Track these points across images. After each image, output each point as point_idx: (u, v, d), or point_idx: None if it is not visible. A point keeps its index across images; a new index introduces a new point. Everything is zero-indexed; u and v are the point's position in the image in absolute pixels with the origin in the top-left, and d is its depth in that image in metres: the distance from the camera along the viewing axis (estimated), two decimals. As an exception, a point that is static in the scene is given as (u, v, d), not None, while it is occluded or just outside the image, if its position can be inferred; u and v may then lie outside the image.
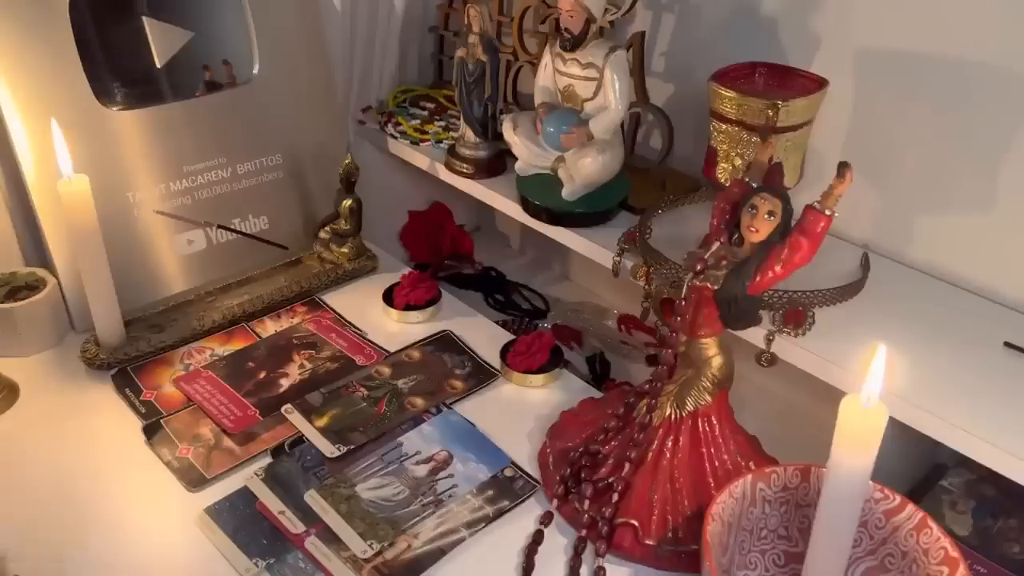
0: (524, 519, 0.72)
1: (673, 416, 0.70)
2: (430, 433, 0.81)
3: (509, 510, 0.73)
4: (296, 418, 0.81)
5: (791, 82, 0.82)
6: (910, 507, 0.62)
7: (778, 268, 0.63)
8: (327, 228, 1.02)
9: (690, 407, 0.70)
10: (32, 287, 0.88)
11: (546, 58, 0.89)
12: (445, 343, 0.93)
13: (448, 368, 0.90)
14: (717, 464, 0.70)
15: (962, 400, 0.65)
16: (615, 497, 0.69)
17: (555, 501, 0.72)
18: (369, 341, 0.93)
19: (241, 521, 0.70)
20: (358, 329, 0.95)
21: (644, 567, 0.68)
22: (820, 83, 0.79)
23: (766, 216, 0.62)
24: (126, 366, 0.87)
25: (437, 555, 0.68)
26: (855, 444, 0.53)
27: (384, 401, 0.84)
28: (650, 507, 0.69)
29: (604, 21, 0.84)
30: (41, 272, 0.90)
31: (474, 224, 1.32)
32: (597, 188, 0.89)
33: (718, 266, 0.65)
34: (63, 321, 0.91)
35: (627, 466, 0.69)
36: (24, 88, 0.83)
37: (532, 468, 0.77)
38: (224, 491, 0.73)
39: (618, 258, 0.84)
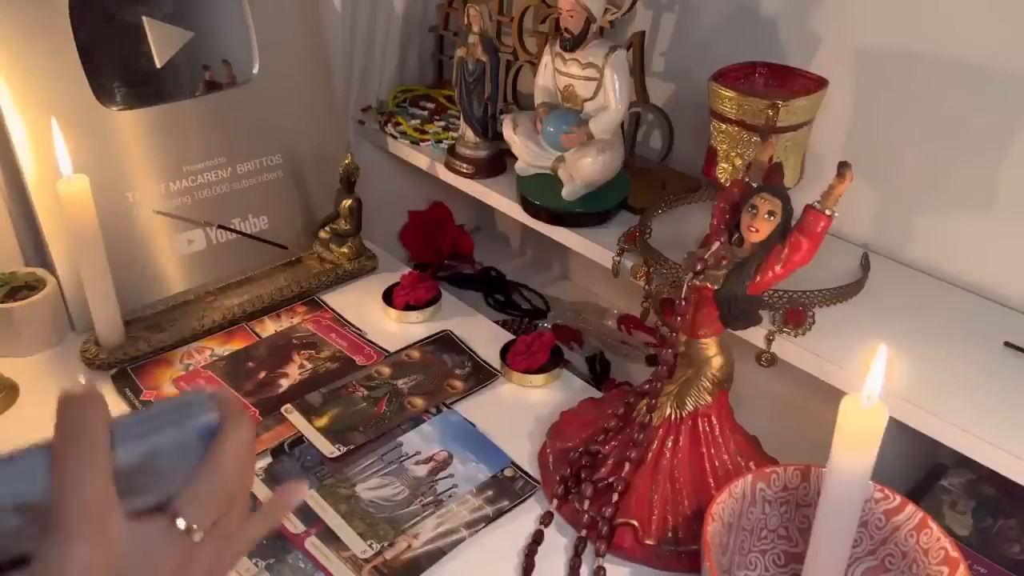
0: (524, 519, 0.72)
1: (673, 416, 0.70)
2: (430, 433, 0.81)
3: (509, 510, 0.73)
4: (296, 418, 0.81)
5: (791, 82, 0.82)
6: (910, 507, 0.62)
7: (778, 268, 0.63)
8: (327, 228, 1.02)
9: (690, 407, 0.70)
10: (32, 287, 0.88)
11: (546, 58, 0.89)
12: (445, 343, 0.93)
13: (448, 368, 0.90)
14: (717, 464, 0.70)
15: (962, 400, 0.65)
16: (615, 497, 0.69)
17: (555, 501, 0.72)
18: (369, 341, 0.93)
19: (241, 521, 0.70)
20: (358, 329, 0.95)
21: (644, 567, 0.68)
22: (820, 83, 0.79)
23: (766, 216, 0.62)
24: (126, 366, 0.87)
25: (437, 555, 0.68)
26: (855, 444, 0.53)
27: (384, 401, 0.84)
28: (650, 507, 0.69)
29: (604, 21, 0.84)
30: (41, 272, 0.90)
31: (474, 224, 1.32)
32: (597, 188, 0.89)
33: (718, 266, 0.65)
34: (63, 321, 0.91)
35: (627, 466, 0.69)
36: (24, 88, 0.83)
37: (532, 468, 0.77)
38: (224, 491, 0.73)
39: (618, 258, 0.84)
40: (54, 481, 0.31)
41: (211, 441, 0.36)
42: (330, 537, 0.69)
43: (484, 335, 0.95)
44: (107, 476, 0.32)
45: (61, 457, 0.31)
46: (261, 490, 0.73)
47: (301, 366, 0.89)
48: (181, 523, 0.34)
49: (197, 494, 0.35)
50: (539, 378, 0.88)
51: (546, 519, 0.72)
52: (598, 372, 1.01)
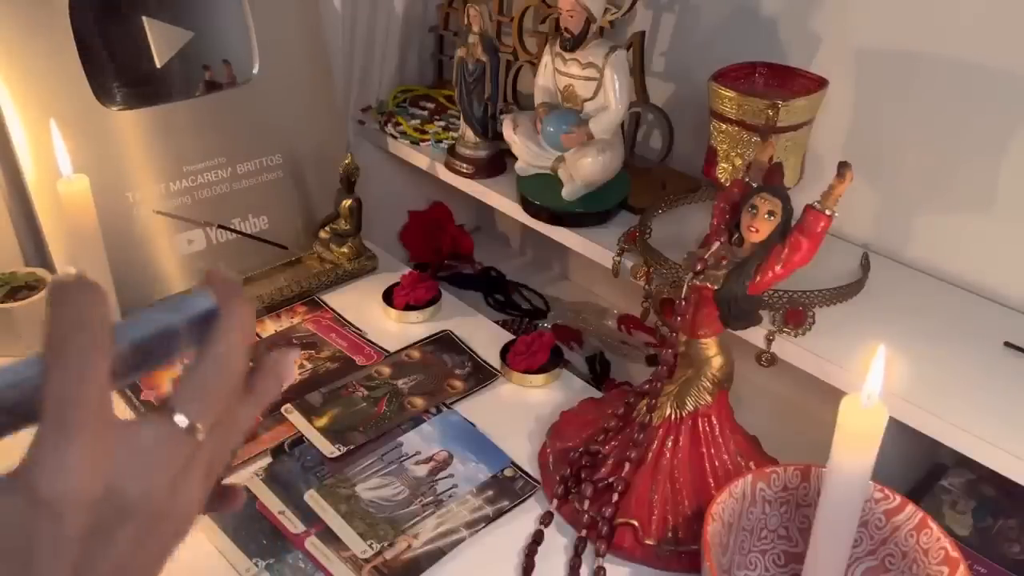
0: (524, 519, 0.72)
1: (673, 416, 0.70)
2: (430, 433, 0.81)
3: (509, 510, 0.73)
4: (296, 418, 0.81)
5: (791, 82, 0.82)
6: (910, 507, 0.62)
7: (778, 268, 0.63)
8: (327, 228, 1.02)
9: (690, 407, 0.70)
10: (32, 287, 0.88)
11: (546, 58, 0.89)
12: (445, 343, 0.93)
13: (448, 368, 0.90)
14: (717, 464, 0.70)
15: (962, 400, 0.65)
16: (615, 497, 0.69)
17: (555, 501, 0.72)
18: (369, 341, 0.93)
19: (241, 521, 0.70)
20: (358, 329, 0.95)
21: (644, 567, 0.68)
22: (820, 83, 0.79)
23: (766, 216, 0.62)
24: (126, 366, 0.86)
25: (437, 555, 0.68)
26: (855, 444, 0.53)
27: (384, 401, 0.84)
28: (650, 507, 0.69)
29: (604, 21, 0.84)
30: (41, 272, 0.90)
31: (474, 224, 1.32)
32: (597, 188, 0.89)
33: (718, 266, 0.65)
34: (63, 321, 0.91)
35: (627, 466, 0.69)
36: (24, 88, 0.83)
37: (532, 468, 0.77)
38: (224, 491, 0.73)
39: (618, 258, 0.84)
40: (52, 376, 0.29)
41: (208, 330, 0.33)
42: (330, 537, 0.69)
43: (484, 335, 0.95)
44: (107, 373, 0.29)
45: (59, 351, 0.29)
46: (262, 489, 0.73)
47: (301, 366, 0.89)
48: (182, 420, 0.31)
49: (197, 390, 0.32)
50: (539, 378, 0.88)
51: (546, 519, 0.72)
52: (598, 372, 1.01)
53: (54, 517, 0.29)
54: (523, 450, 0.79)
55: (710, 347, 0.70)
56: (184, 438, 0.31)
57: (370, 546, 0.68)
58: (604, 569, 0.67)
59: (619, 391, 0.88)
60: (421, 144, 1.09)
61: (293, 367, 0.37)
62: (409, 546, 0.69)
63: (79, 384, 0.29)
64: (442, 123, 1.12)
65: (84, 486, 0.29)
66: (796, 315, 0.72)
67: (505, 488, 0.75)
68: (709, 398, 0.70)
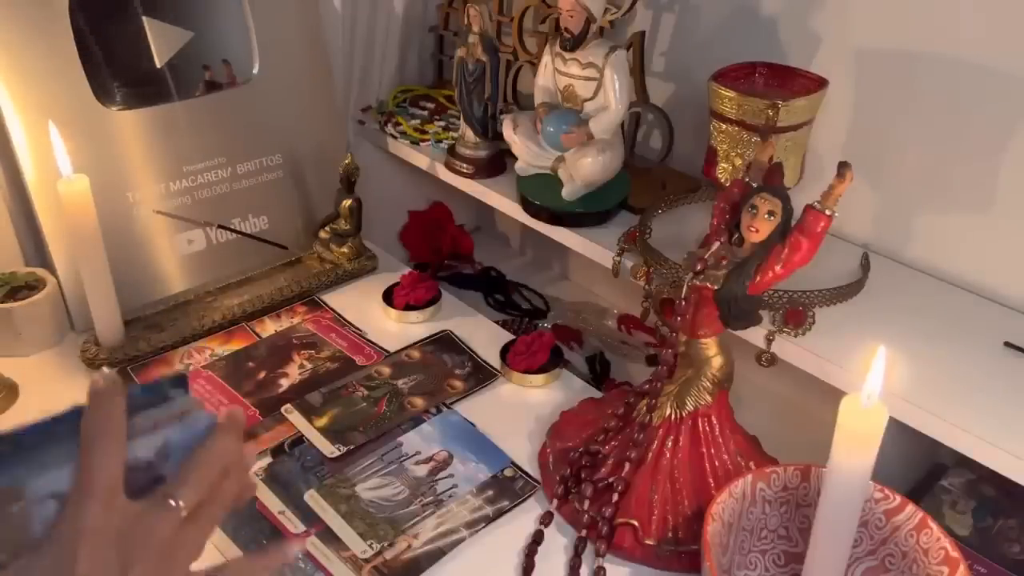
0: (524, 519, 0.72)
1: (673, 416, 0.70)
2: (430, 433, 0.81)
3: (509, 510, 0.73)
4: (296, 418, 0.81)
5: (791, 82, 0.82)
6: (910, 507, 0.62)
7: (778, 268, 0.63)
8: (327, 228, 1.02)
9: (690, 407, 0.70)
10: (32, 287, 0.88)
11: (546, 58, 0.89)
12: (445, 343, 0.93)
13: (448, 368, 0.90)
14: (717, 464, 0.70)
15: (962, 400, 0.65)
16: (615, 497, 0.69)
17: (555, 501, 0.72)
18: (369, 341, 0.93)
19: (241, 521, 0.70)
20: (358, 329, 0.95)
21: (644, 567, 0.68)
22: (820, 83, 0.79)
23: (766, 216, 0.62)
24: (126, 366, 0.87)
25: (437, 555, 0.68)
26: (855, 444, 0.53)
27: (384, 401, 0.84)
28: (650, 507, 0.69)
29: (604, 21, 0.84)
30: (41, 272, 0.90)
31: (474, 224, 1.32)
32: (597, 188, 0.89)
33: (718, 266, 0.66)
34: (63, 321, 0.91)
35: (627, 466, 0.70)
36: (24, 88, 0.83)
37: (532, 468, 0.77)
38: (224, 491, 0.73)
39: (618, 258, 0.84)
40: (82, 462, 0.40)
41: (206, 437, 0.44)
42: (330, 537, 0.69)
43: (484, 335, 0.95)
44: (122, 463, 0.40)
45: (89, 444, 0.40)
46: (262, 489, 0.73)
47: (301, 366, 0.89)
48: (172, 503, 0.42)
49: (186, 480, 0.43)
50: (539, 378, 0.88)
51: (546, 519, 0.72)
52: (598, 372, 1.01)
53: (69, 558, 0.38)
54: (523, 450, 0.79)
55: (710, 347, 0.70)
56: (173, 513, 0.42)
57: (370, 546, 0.68)
58: (604, 569, 0.67)
59: (619, 391, 0.88)
60: (421, 144, 1.09)
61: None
62: (409, 546, 0.69)
63: (101, 469, 0.40)
64: (442, 123, 1.12)
65: (95, 533, 0.39)
66: (796, 315, 0.72)
67: (505, 488, 0.75)
68: (709, 398, 0.70)
